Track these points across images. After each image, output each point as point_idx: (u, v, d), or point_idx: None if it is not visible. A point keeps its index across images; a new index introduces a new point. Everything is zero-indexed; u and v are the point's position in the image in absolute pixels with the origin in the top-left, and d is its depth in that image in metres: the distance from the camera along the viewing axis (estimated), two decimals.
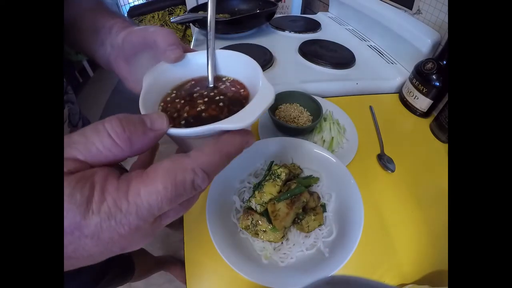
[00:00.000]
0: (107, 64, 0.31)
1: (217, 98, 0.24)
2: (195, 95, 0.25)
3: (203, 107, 0.23)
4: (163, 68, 0.26)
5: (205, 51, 0.26)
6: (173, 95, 0.25)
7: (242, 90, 0.25)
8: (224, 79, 0.26)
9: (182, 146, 0.23)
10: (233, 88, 0.25)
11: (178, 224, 1.14)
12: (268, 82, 0.21)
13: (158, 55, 0.26)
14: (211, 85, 0.25)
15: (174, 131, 0.19)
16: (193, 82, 0.26)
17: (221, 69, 0.27)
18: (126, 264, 0.74)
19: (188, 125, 0.22)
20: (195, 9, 0.90)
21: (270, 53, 0.75)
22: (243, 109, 0.19)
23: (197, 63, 0.26)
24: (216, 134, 0.19)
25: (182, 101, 0.24)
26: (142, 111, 0.21)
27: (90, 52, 0.33)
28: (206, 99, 0.24)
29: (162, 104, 0.24)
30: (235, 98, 0.24)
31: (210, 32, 0.25)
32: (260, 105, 0.19)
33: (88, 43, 0.32)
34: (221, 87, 0.25)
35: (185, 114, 0.22)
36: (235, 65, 0.26)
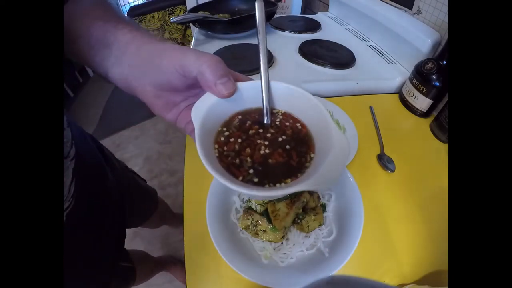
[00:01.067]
0: (127, 86, 0.26)
1: (280, 139, 0.22)
2: (250, 132, 0.22)
3: (267, 151, 0.21)
4: (211, 102, 0.22)
5: (256, 81, 0.23)
6: (226, 133, 0.22)
7: (298, 125, 0.23)
8: (274, 111, 0.24)
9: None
10: (287, 123, 0.23)
11: (178, 223, 1.14)
12: (340, 131, 0.20)
13: (204, 86, 0.22)
14: (268, 122, 0.23)
15: (252, 192, 0.17)
16: (240, 117, 0.24)
17: (274, 102, 0.24)
18: (127, 273, 0.72)
19: (257, 174, 0.20)
20: (195, 9, 0.90)
21: (270, 53, 0.75)
22: (322, 169, 0.17)
23: (247, 95, 0.24)
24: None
25: (240, 141, 0.22)
26: (201, 156, 0.19)
27: (101, 70, 0.27)
28: (267, 142, 0.22)
29: (216, 146, 0.22)
30: (297, 138, 0.22)
31: (261, 55, 0.22)
32: (339, 162, 0.17)
33: (97, 60, 0.26)
34: (276, 123, 0.23)
35: (249, 159, 0.20)
36: (292, 100, 0.24)
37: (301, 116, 0.23)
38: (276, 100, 0.24)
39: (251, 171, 0.20)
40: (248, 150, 0.21)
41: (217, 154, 0.21)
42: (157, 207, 0.88)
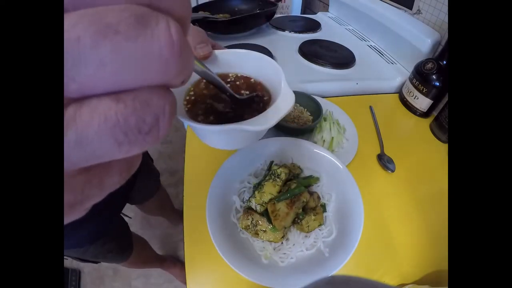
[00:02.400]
0: None
1: (242, 97, 0.25)
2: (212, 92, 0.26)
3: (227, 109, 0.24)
4: None
5: (230, 50, 0.27)
6: (192, 92, 0.25)
7: (252, 80, 0.26)
8: (231, 75, 0.27)
9: (203, 139, 0.24)
10: (242, 81, 0.26)
11: (177, 219, 1.15)
12: (289, 88, 0.22)
13: None
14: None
15: (199, 126, 0.20)
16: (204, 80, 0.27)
17: (243, 68, 0.27)
18: (124, 239, 0.73)
19: (215, 122, 0.22)
20: (195, 9, 0.90)
21: (270, 53, 0.75)
22: (266, 112, 0.20)
23: (222, 61, 0.27)
24: (237, 132, 0.20)
25: (204, 100, 0.24)
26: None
27: None
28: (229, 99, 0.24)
29: (185, 103, 0.24)
30: (253, 91, 0.25)
31: None
32: (281, 109, 0.20)
33: None
34: (236, 83, 0.26)
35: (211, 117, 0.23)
36: (256, 65, 0.27)
37: (266, 81, 0.26)
38: (244, 66, 0.27)
39: (211, 117, 0.23)
40: (214, 103, 0.24)
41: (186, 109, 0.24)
42: (159, 189, 0.91)
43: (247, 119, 0.19)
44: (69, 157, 0.08)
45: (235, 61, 0.27)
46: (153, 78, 0.08)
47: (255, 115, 0.20)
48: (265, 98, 0.25)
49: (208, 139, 0.23)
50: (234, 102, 0.24)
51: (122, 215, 0.71)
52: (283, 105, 0.21)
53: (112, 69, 0.07)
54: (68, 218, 0.09)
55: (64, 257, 0.58)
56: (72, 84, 0.07)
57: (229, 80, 0.27)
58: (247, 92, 0.25)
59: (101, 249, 0.61)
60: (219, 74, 0.27)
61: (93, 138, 0.08)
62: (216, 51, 0.27)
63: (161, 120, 0.09)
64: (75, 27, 0.07)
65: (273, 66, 0.25)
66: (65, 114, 0.07)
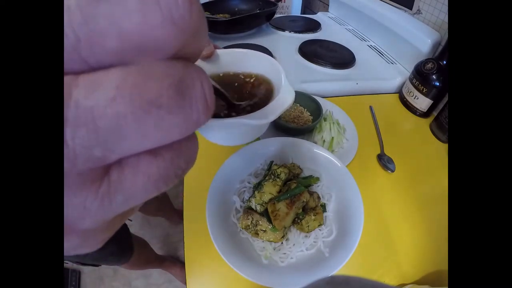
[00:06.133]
0: None
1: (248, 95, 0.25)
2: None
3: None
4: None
5: (231, 49, 0.27)
6: None
7: (253, 80, 0.26)
8: (253, 75, 0.27)
9: (203, 133, 0.24)
10: (262, 85, 0.26)
11: (177, 219, 1.15)
12: (289, 84, 0.22)
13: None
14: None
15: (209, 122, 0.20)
16: (221, 75, 0.28)
17: (244, 67, 0.28)
18: (124, 241, 0.73)
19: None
20: None
21: (270, 53, 0.75)
22: (266, 107, 0.20)
23: (224, 61, 0.27)
24: (238, 127, 0.20)
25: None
26: None
27: None
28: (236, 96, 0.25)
29: None
30: (263, 96, 0.25)
31: None
32: (282, 104, 0.20)
33: None
34: (250, 83, 0.26)
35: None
36: (256, 63, 0.27)
37: (256, 71, 0.27)
38: (235, 64, 0.28)
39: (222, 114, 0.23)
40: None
41: None
42: None
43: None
44: (116, 212, 0.08)
45: (235, 60, 0.28)
46: (186, 135, 0.09)
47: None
48: (264, 90, 0.25)
49: (210, 134, 0.23)
50: (231, 107, 0.24)
51: None
52: (284, 99, 0.21)
53: (154, 139, 0.08)
54: (92, 249, 0.10)
55: (65, 261, 0.57)
56: (112, 155, 0.07)
57: (242, 77, 0.27)
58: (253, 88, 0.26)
59: (102, 252, 0.61)
60: (223, 72, 0.28)
61: (138, 195, 0.08)
62: (218, 51, 0.28)
63: (192, 162, 0.10)
64: (114, 101, 0.07)
65: (273, 63, 0.26)
66: (110, 179, 0.08)
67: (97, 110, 0.07)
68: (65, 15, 0.06)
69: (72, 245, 0.09)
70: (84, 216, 0.08)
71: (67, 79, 0.07)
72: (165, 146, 0.08)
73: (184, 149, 0.09)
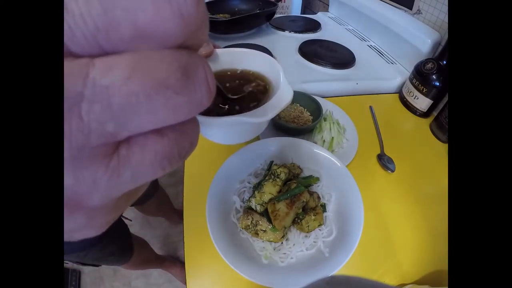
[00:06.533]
0: None
1: (245, 90, 0.25)
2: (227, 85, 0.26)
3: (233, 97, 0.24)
4: None
5: (230, 48, 0.27)
6: None
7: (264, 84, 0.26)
8: (251, 73, 0.28)
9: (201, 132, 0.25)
10: (260, 84, 0.27)
11: (177, 219, 1.15)
12: (287, 82, 0.23)
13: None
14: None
15: (198, 117, 0.20)
16: (220, 73, 0.28)
17: (243, 65, 0.28)
18: (125, 241, 0.73)
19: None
20: None
21: (270, 53, 0.75)
22: (265, 105, 0.20)
23: (222, 59, 0.28)
24: (237, 125, 0.21)
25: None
26: None
27: None
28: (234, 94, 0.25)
29: None
30: (259, 92, 0.25)
31: None
32: (280, 102, 0.20)
33: None
34: (249, 82, 0.27)
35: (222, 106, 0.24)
36: (255, 62, 0.27)
37: (255, 69, 0.27)
38: (246, 63, 0.28)
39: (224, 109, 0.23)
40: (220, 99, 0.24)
41: None
42: (157, 189, 0.90)
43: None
44: (123, 189, 0.09)
45: (234, 59, 0.28)
46: (190, 116, 0.09)
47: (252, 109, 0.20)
48: (262, 88, 0.26)
49: (210, 132, 0.23)
50: (227, 100, 0.24)
51: (122, 218, 0.70)
52: (282, 97, 0.21)
53: (162, 117, 0.08)
54: (97, 231, 0.10)
55: (65, 261, 0.57)
56: (123, 132, 0.08)
57: (241, 75, 0.28)
58: (252, 85, 0.26)
59: (102, 252, 0.61)
60: (222, 70, 0.28)
61: (145, 172, 0.09)
62: (217, 50, 0.28)
63: (194, 144, 0.10)
64: (129, 80, 0.07)
65: (271, 62, 0.26)
66: (119, 155, 0.08)
67: (112, 88, 0.07)
68: (86, 6, 0.07)
69: (78, 225, 0.09)
70: (93, 191, 0.08)
71: (85, 60, 0.07)
72: (170, 127, 0.09)
73: (188, 131, 0.10)
